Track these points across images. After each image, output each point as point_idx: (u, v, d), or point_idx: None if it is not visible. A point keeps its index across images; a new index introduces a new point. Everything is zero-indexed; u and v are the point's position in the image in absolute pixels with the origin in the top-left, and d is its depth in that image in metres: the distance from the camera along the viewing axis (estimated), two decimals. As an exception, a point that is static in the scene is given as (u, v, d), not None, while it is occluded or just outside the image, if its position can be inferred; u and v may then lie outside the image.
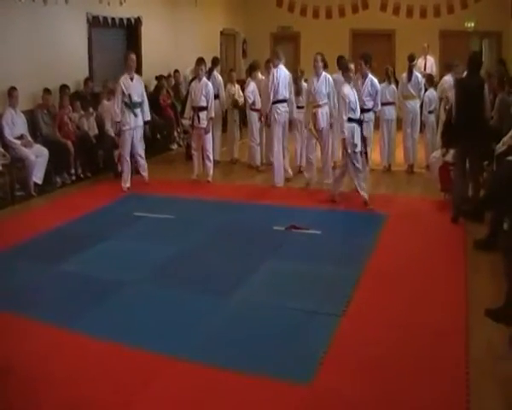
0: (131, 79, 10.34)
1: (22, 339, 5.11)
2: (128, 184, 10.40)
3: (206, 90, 11.01)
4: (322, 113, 10.10)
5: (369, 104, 10.02)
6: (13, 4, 10.16)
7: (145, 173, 10.82)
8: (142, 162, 10.78)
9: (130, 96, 10.25)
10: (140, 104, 10.48)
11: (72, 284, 6.32)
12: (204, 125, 11.01)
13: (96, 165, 11.61)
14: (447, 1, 18.01)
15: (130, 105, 10.28)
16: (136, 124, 10.40)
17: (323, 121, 10.05)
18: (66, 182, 10.83)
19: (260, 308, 5.74)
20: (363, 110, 9.92)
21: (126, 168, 10.49)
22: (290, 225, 8.10)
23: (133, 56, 10.49)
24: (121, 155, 10.63)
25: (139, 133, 10.61)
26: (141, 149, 10.72)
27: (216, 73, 12.74)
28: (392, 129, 11.81)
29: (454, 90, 8.98)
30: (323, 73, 10.20)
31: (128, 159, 10.49)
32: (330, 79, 10.29)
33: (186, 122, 11.89)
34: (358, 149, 9.05)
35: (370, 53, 10.49)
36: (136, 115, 10.36)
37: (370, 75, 10.08)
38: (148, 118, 10.82)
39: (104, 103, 11.70)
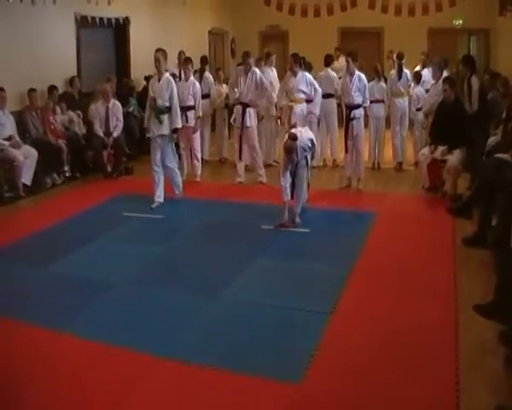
0: (159, 81, 9.21)
1: (9, 341, 5.09)
2: (160, 199, 9.33)
3: (193, 89, 11.00)
4: (297, 110, 10.31)
5: (359, 100, 10.04)
6: (0, 4, 10.12)
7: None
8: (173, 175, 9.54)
9: (154, 99, 9.18)
10: (168, 109, 9.15)
11: (61, 286, 6.31)
12: (192, 125, 11.00)
13: (85, 165, 11.57)
14: (435, -1, 18.10)
15: (156, 110, 9.17)
16: (160, 132, 9.15)
17: (298, 117, 10.12)
18: (55, 183, 10.79)
19: (249, 307, 5.73)
20: (352, 106, 10.00)
21: (156, 180, 9.32)
22: (279, 223, 8.10)
23: (157, 54, 9.11)
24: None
25: (166, 143, 9.23)
26: (169, 161, 9.32)
27: (207, 73, 12.76)
28: (381, 126, 11.85)
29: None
30: (300, 72, 10.54)
31: (157, 169, 9.29)
32: (309, 76, 10.67)
33: None
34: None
35: (356, 51, 10.57)
36: (160, 122, 9.11)
37: (357, 71, 10.12)
38: (177, 125, 9.25)
39: (92, 107, 11.67)
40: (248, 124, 10.67)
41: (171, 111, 9.15)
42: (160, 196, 9.28)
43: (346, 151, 10.20)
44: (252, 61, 10.90)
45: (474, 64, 10.44)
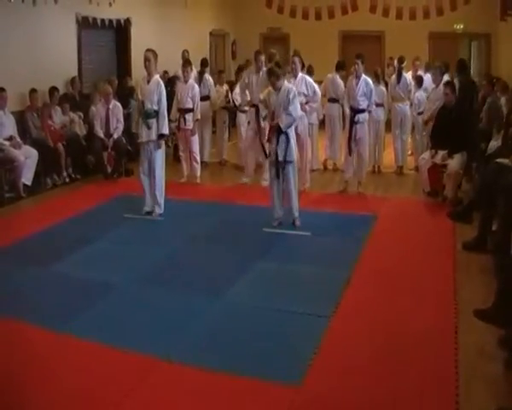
0: (148, 82, 8.72)
1: (10, 342, 5.09)
2: (148, 208, 8.97)
3: (192, 91, 11.00)
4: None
5: (364, 104, 10.01)
6: (1, 5, 10.11)
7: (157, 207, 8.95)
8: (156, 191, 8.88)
9: (143, 103, 8.74)
10: (156, 113, 8.69)
11: (62, 286, 6.31)
12: (190, 127, 11.00)
13: (85, 166, 11.56)
14: (436, 3, 18.05)
15: (143, 114, 8.75)
16: (148, 138, 8.75)
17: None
18: (56, 183, 10.79)
19: (250, 310, 5.74)
20: (357, 110, 9.98)
21: (146, 189, 8.95)
22: None
23: (148, 54, 8.66)
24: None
25: (155, 149, 8.78)
26: (158, 171, 8.82)
27: (207, 75, 12.76)
28: (381, 130, 11.86)
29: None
30: (300, 73, 10.55)
31: (144, 177, 8.92)
32: (308, 79, 10.64)
33: (172, 124, 11.74)
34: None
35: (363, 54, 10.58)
36: (149, 127, 8.71)
37: (364, 75, 10.10)
38: (163, 131, 8.76)
39: (92, 108, 11.68)
40: (263, 125, 10.61)
41: (159, 115, 8.68)
42: (149, 204, 8.96)
43: (350, 153, 10.15)
44: (263, 58, 10.84)
45: (462, 68, 10.84)
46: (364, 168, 10.33)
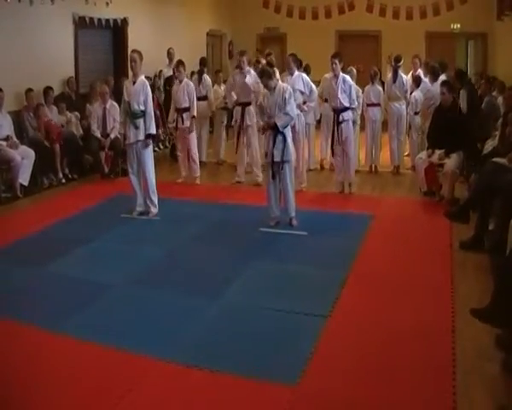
0: (133, 83, 8.70)
1: (7, 342, 5.07)
2: (141, 209, 8.98)
3: (187, 89, 11.00)
4: None
5: (346, 102, 9.91)
6: (-2, 4, 10.13)
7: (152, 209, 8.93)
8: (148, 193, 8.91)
9: (129, 103, 8.70)
10: (143, 113, 8.67)
11: (59, 286, 6.30)
12: (188, 125, 10.99)
13: (82, 166, 11.56)
14: (433, 3, 18.09)
15: (130, 115, 8.73)
16: (136, 138, 8.73)
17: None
18: (52, 183, 10.78)
19: (247, 310, 5.73)
20: (340, 110, 9.92)
21: (137, 189, 8.97)
22: None
23: (133, 55, 8.73)
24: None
25: (143, 149, 8.76)
26: (148, 171, 8.85)
27: (205, 75, 12.75)
28: (377, 130, 11.86)
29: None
30: (297, 72, 10.52)
31: (134, 178, 8.91)
32: (305, 77, 10.64)
33: (170, 125, 11.72)
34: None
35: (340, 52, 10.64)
36: (136, 127, 8.69)
37: (342, 73, 10.01)
38: (151, 131, 8.74)
39: (87, 107, 11.67)
40: (248, 122, 10.70)
41: (146, 115, 8.67)
42: (141, 204, 8.99)
43: (333, 155, 10.18)
44: (245, 59, 10.96)
45: (464, 78, 10.91)
46: (353, 169, 10.24)
